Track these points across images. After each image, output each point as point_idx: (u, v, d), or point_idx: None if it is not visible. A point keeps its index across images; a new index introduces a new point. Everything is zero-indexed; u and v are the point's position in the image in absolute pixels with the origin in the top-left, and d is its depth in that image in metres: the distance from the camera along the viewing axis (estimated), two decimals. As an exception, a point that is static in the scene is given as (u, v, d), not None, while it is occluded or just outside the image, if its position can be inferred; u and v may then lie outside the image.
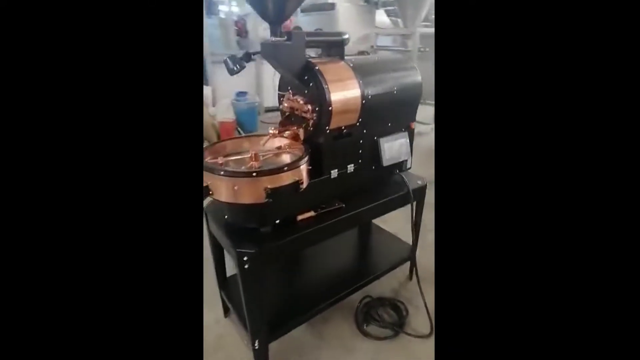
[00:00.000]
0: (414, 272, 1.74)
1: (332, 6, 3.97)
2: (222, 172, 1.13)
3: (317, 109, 1.28)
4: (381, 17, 4.59)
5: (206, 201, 1.27)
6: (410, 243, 1.93)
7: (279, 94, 1.44)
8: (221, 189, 1.17)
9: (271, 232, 1.29)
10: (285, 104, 1.32)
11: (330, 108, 1.25)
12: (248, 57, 1.32)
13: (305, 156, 1.24)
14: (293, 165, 1.18)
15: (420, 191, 1.72)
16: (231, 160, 1.29)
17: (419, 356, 1.56)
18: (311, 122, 1.32)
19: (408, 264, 1.97)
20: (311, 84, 1.26)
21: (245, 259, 1.19)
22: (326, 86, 1.24)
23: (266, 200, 1.16)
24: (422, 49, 4.07)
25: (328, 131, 1.31)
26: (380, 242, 2.04)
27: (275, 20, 1.17)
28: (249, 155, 1.28)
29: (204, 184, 1.18)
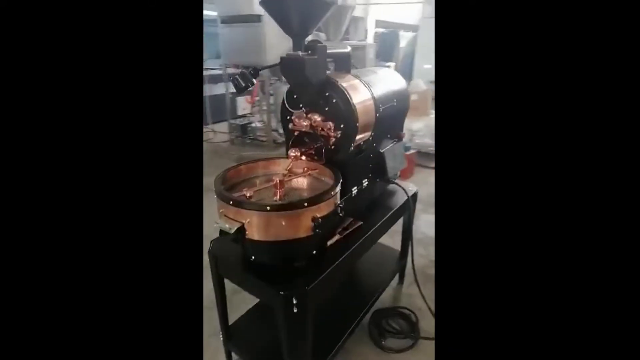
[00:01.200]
0: (414, 276, 1.77)
1: (258, 18, 3.82)
2: (268, 208, 0.96)
3: (342, 125, 1.20)
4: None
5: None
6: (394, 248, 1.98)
7: (284, 112, 1.32)
8: (260, 227, 1.00)
9: (306, 265, 1.15)
10: (304, 123, 1.21)
11: (357, 124, 1.19)
12: (256, 72, 1.17)
13: (340, 177, 1.15)
14: (335, 189, 1.09)
15: (413, 198, 1.77)
16: (254, 191, 1.11)
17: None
18: (332, 140, 1.24)
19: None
20: (334, 100, 1.18)
21: (294, 302, 1.04)
22: (352, 102, 1.17)
23: (316, 231, 1.03)
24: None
25: (352, 148, 1.25)
26: (372, 254, 2.03)
27: (298, 33, 1.06)
28: (274, 183, 1.13)
29: (239, 224, 0.99)
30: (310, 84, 1.11)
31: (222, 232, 1.02)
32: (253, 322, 1.56)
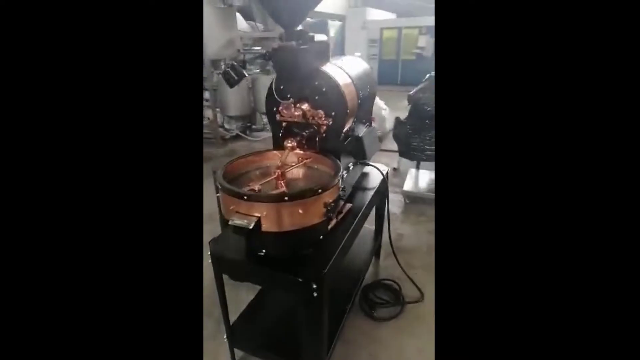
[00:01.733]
0: (392, 250, 1.92)
1: (191, 8, 3.60)
2: (286, 198, 0.97)
3: (333, 113, 1.25)
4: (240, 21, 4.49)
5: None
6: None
7: (270, 103, 1.31)
8: (277, 218, 1.01)
9: (314, 251, 1.19)
10: (297, 113, 1.22)
11: (347, 111, 1.25)
12: (244, 64, 1.15)
13: (339, 163, 1.20)
14: (339, 174, 1.13)
15: (386, 177, 1.89)
16: (260, 184, 1.11)
17: (427, 314, 1.77)
18: (324, 127, 1.28)
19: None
20: (324, 89, 1.22)
21: (314, 286, 1.08)
22: (342, 90, 1.22)
23: (329, 215, 1.08)
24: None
25: (343, 134, 1.31)
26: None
27: (290, 23, 1.07)
28: (276, 175, 1.14)
29: (256, 219, 0.99)
30: (303, 73, 1.13)
31: (236, 229, 1.01)
32: (252, 319, 1.55)
